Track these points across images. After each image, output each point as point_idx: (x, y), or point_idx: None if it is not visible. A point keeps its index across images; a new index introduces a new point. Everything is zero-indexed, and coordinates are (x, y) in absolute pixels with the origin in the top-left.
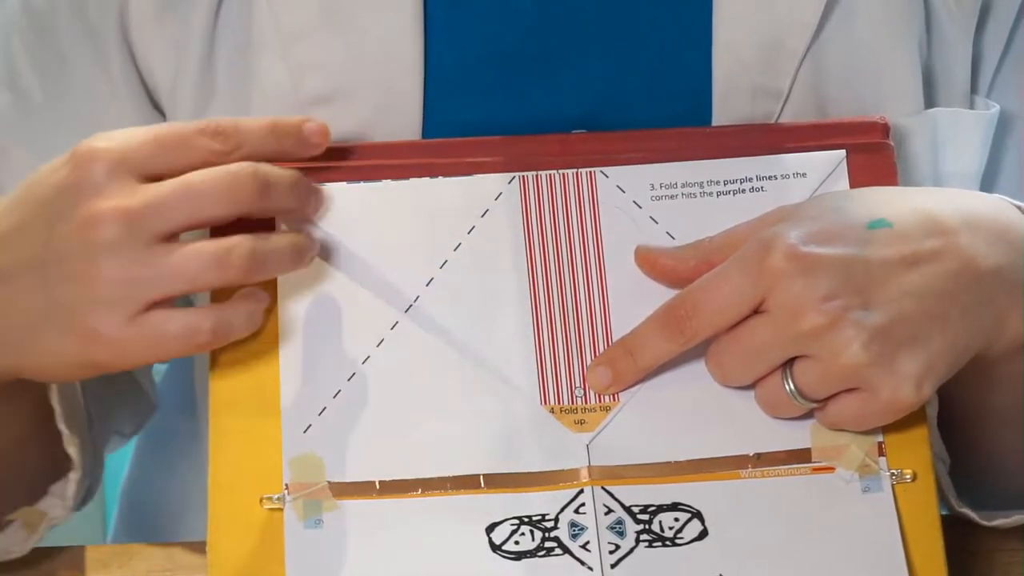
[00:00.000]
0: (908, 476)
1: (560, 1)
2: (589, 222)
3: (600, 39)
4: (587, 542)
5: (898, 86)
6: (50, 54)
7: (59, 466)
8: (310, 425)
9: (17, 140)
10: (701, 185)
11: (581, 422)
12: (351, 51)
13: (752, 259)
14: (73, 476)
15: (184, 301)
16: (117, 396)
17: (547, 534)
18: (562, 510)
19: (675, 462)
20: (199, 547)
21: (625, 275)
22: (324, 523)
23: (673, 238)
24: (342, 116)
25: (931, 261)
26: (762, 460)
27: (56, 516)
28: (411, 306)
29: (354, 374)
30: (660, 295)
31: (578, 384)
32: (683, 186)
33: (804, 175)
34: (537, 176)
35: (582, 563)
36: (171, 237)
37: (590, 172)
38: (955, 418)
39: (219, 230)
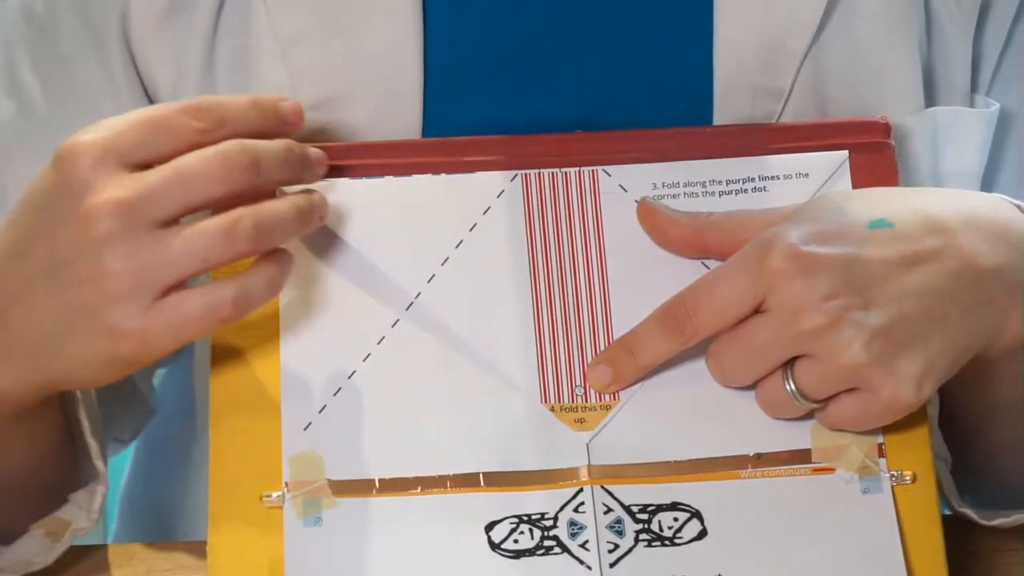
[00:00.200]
0: (908, 477)
1: (560, 1)
2: (591, 220)
3: (600, 39)
4: (586, 541)
5: (899, 85)
6: (52, 60)
7: (74, 475)
8: (310, 423)
9: (21, 147)
10: (703, 184)
11: (581, 421)
12: (350, 54)
13: (752, 259)
14: (101, 489)
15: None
16: (117, 402)
17: (546, 533)
18: (561, 509)
19: (675, 462)
20: (199, 547)
21: (626, 274)
22: (324, 521)
23: None
24: (342, 119)
25: (931, 261)
26: (762, 460)
27: (82, 527)
28: (412, 304)
29: (354, 372)
30: (661, 294)
31: (578, 383)
32: (685, 185)
33: (807, 175)
34: (539, 174)
35: (581, 562)
36: (171, 222)
37: (592, 170)
38: (956, 417)
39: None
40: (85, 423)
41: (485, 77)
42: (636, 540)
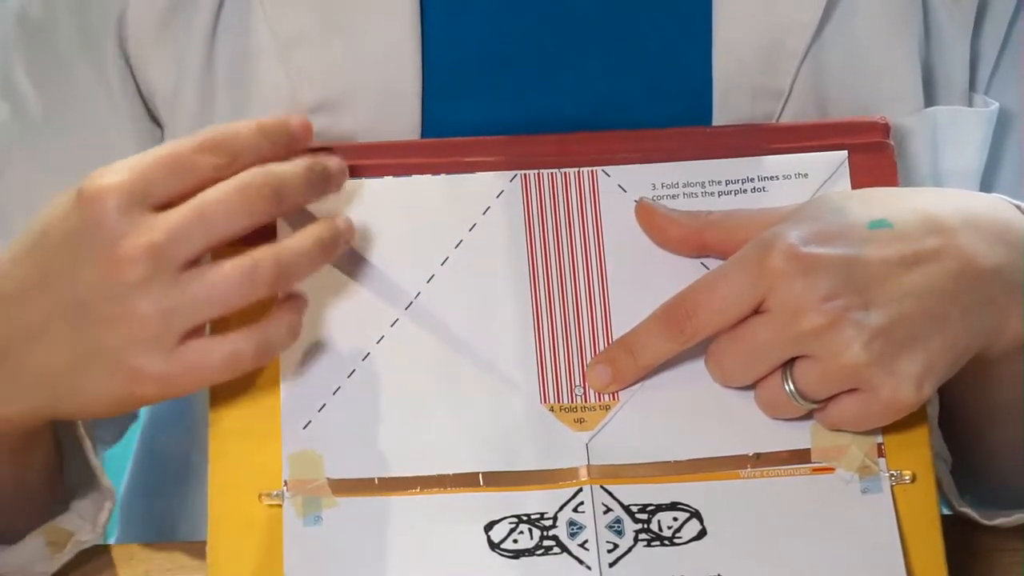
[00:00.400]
0: (908, 477)
1: (559, 1)
2: (590, 220)
3: (600, 40)
4: (585, 541)
5: (898, 85)
6: (47, 63)
7: (61, 484)
8: (310, 422)
9: (17, 154)
10: (703, 185)
11: (581, 421)
12: (349, 56)
13: (752, 259)
14: (108, 505)
15: None
16: None
17: (545, 533)
18: (561, 509)
19: (674, 461)
20: (199, 547)
21: (626, 274)
22: (323, 520)
23: None
24: (342, 120)
25: (931, 261)
26: (762, 460)
27: (86, 540)
28: (412, 303)
29: (354, 371)
30: (660, 294)
31: (578, 383)
32: (685, 186)
33: (806, 175)
34: (539, 174)
35: (580, 562)
36: (194, 262)
37: (592, 171)
38: (956, 417)
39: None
40: (87, 444)
41: (484, 78)
42: (635, 540)
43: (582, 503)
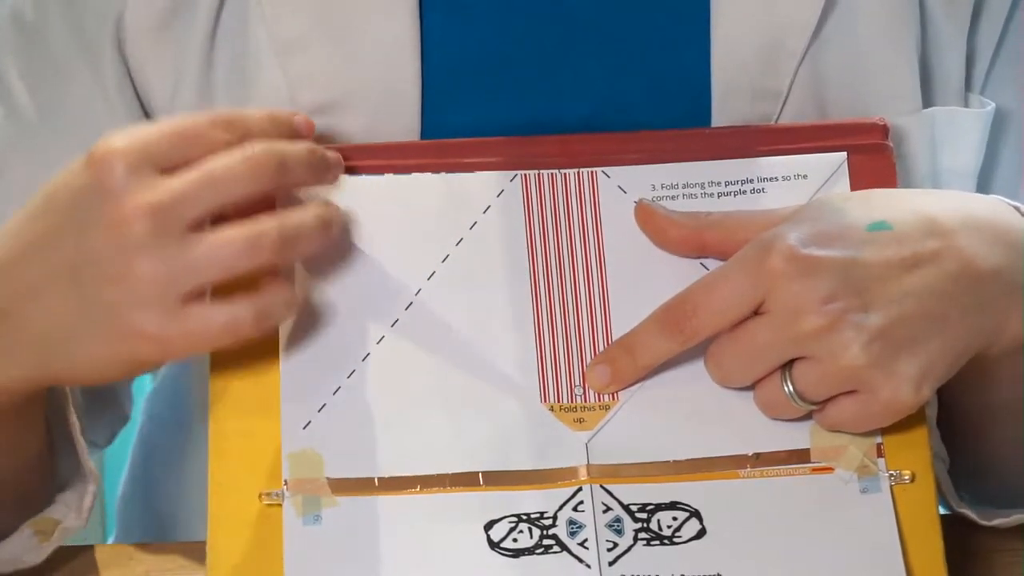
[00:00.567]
0: (907, 477)
1: (559, 2)
2: (590, 221)
3: (599, 40)
4: (585, 540)
5: (896, 85)
6: (41, 66)
7: (52, 480)
8: (309, 421)
9: (12, 155)
10: (702, 186)
11: (580, 420)
12: (348, 59)
13: (752, 260)
14: (91, 489)
15: None
16: (96, 407)
17: (545, 532)
18: (560, 508)
19: (674, 461)
20: (198, 547)
21: (626, 274)
22: (323, 519)
23: None
24: (341, 122)
25: (931, 263)
26: (761, 460)
27: (72, 526)
28: (412, 302)
29: (354, 371)
30: (660, 294)
31: (578, 383)
32: (684, 187)
33: (805, 177)
34: (539, 174)
35: (580, 561)
36: (199, 226)
37: (591, 171)
38: (955, 417)
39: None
40: (74, 422)
41: (483, 79)
42: (635, 539)
43: (582, 502)
